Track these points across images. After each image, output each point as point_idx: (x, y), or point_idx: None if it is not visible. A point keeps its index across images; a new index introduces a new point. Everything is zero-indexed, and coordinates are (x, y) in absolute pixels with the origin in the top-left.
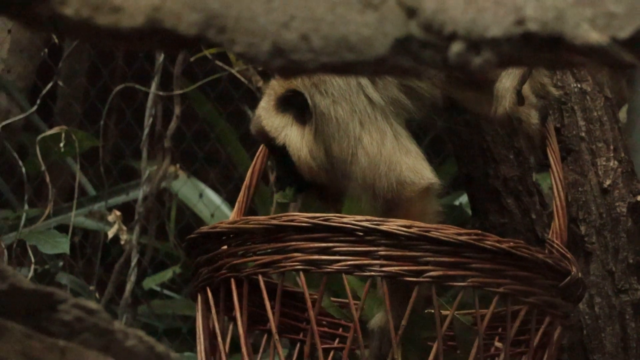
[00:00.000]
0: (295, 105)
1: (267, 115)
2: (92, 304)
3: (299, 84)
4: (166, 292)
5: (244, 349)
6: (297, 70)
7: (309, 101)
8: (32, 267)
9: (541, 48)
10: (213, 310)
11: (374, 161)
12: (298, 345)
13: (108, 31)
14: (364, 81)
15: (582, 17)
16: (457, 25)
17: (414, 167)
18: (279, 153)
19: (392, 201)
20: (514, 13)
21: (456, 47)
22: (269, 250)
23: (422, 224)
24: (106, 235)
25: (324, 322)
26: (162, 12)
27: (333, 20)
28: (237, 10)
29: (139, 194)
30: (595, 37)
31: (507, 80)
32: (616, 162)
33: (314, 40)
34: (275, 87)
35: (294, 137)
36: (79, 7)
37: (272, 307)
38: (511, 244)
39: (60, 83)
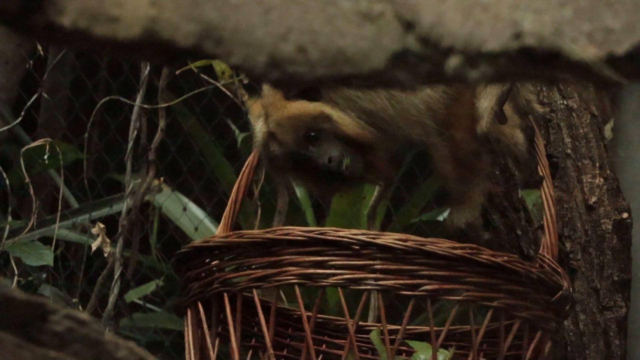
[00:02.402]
0: (302, 97)
1: (289, 106)
2: (83, 315)
3: None
4: (149, 305)
5: None
6: (293, 83)
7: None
8: (15, 279)
9: (538, 63)
10: (205, 326)
11: None
12: None
13: (104, 41)
14: None
15: (579, 32)
16: (454, 39)
17: None
18: (320, 131)
19: (454, 97)
20: (512, 27)
21: (453, 61)
22: (263, 264)
23: (418, 238)
24: (89, 247)
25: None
26: (159, 22)
27: (330, 32)
28: (235, 22)
29: (123, 206)
30: (592, 52)
31: (486, 100)
32: (602, 179)
33: (311, 52)
34: (268, 101)
35: (326, 107)
36: (76, 17)
37: (266, 322)
38: (505, 258)
39: (45, 95)
